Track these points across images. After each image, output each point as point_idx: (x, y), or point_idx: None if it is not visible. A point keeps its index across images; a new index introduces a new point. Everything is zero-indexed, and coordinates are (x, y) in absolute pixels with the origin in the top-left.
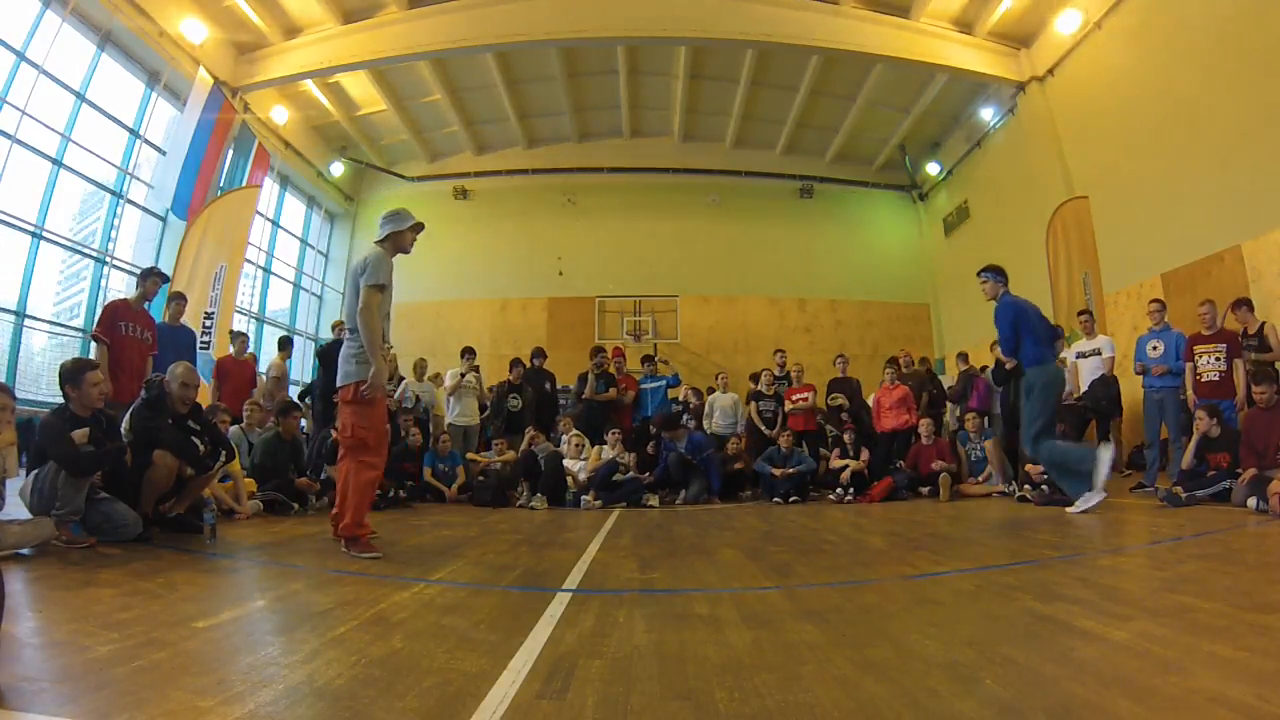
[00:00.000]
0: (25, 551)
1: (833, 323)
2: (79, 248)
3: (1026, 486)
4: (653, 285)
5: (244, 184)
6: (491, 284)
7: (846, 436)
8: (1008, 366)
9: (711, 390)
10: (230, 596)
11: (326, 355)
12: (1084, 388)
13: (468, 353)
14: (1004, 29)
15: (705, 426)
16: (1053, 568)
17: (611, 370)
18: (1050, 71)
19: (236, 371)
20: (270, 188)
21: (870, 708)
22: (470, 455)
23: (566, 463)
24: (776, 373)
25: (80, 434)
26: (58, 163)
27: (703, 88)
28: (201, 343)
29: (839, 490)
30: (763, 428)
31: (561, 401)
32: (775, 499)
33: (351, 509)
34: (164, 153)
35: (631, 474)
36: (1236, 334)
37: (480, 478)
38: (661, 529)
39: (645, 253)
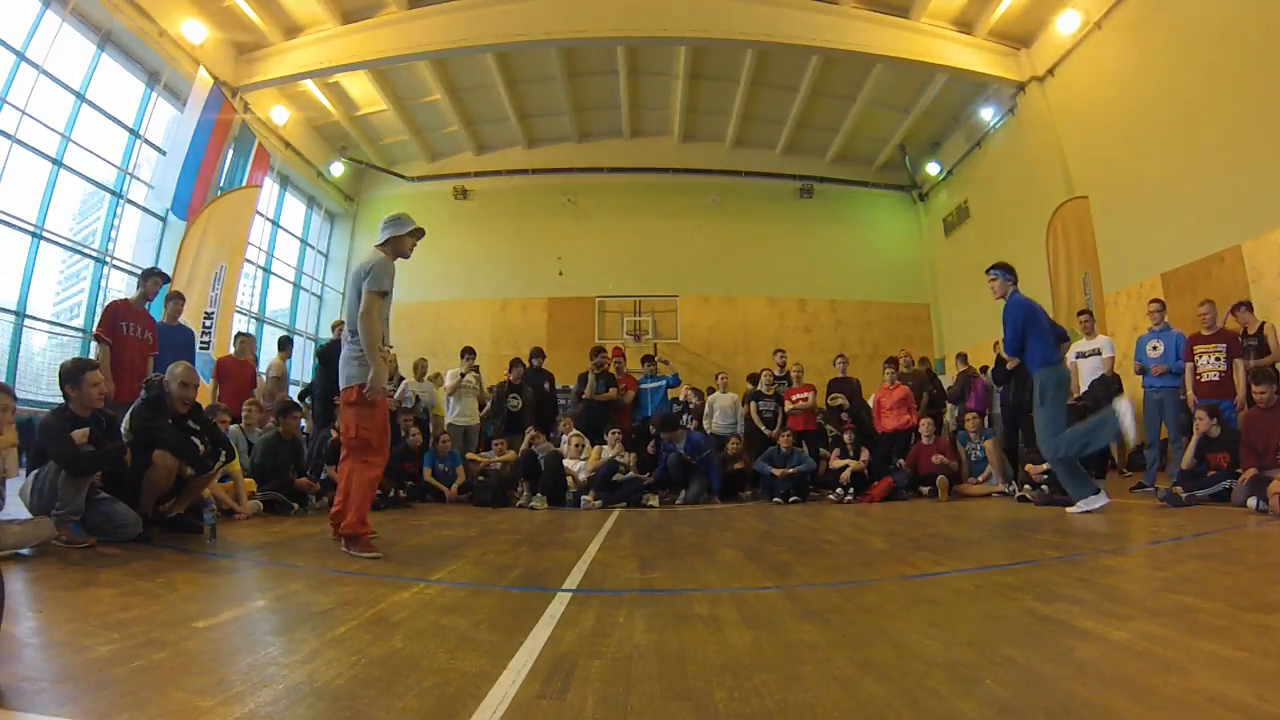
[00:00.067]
0: (25, 551)
1: (833, 323)
2: (79, 248)
3: (1026, 486)
4: (653, 285)
5: (244, 184)
6: (491, 284)
7: (846, 436)
8: (1009, 366)
9: (711, 390)
10: (230, 596)
11: (326, 355)
12: (1084, 388)
13: (468, 353)
14: (1004, 29)
15: (705, 426)
16: (1053, 568)
17: (611, 370)
18: (1050, 71)
19: (236, 371)
20: (270, 188)
21: (870, 708)
22: (470, 455)
23: (566, 463)
24: (776, 373)
25: (80, 434)
26: (58, 163)
27: (703, 88)
28: (201, 343)
29: (839, 490)
30: (762, 428)
31: (561, 401)
32: (775, 499)
33: (354, 507)
34: (164, 153)
35: (631, 474)
36: (1236, 334)
37: (480, 478)
38: (661, 529)
39: (645, 253)
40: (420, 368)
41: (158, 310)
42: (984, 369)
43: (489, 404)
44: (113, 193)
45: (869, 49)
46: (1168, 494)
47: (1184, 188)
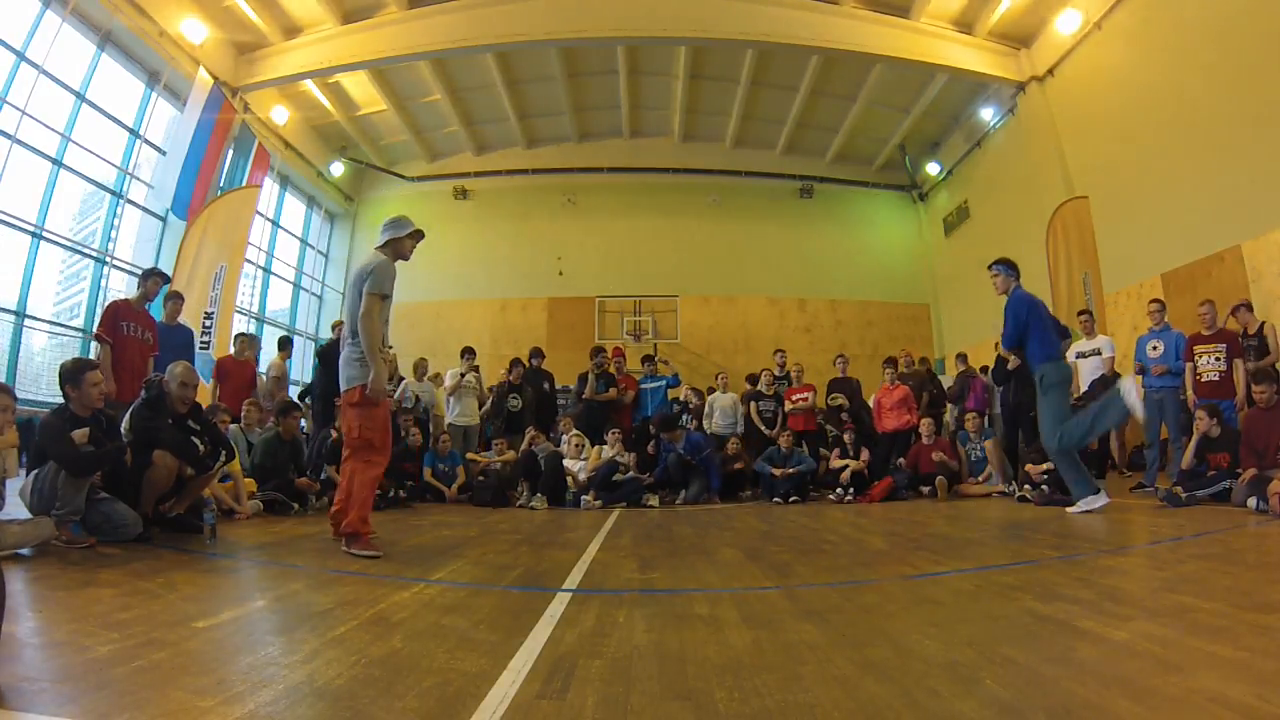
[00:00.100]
0: (25, 551)
1: (833, 323)
2: (79, 248)
3: (1026, 486)
4: (653, 285)
5: (244, 184)
6: (491, 284)
7: (846, 436)
8: (1010, 365)
9: (711, 390)
10: (230, 596)
11: (326, 355)
12: (1084, 388)
13: (468, 353)
14: (1004, 29)
15: (705, 427)
16: (1053, 568)
17: (611, 370)
18: (1050, 71)
19: (236, 371)
20: (270, 188)
21: (870, 708)
22: (470, 455)
23: (566, 463)
24: (776, 373)
25: (80, 434)
26: (58, 163)
27: (703, 88)
28: (201, 343)
29: (839, 490)
30: (762, 428)
31: (561, 401)
32: (775, 499)
33: (357, 506)
34: (164, 153)
35: (631, 474)
36: (1236, 334)
37: (480, 478)
38: (661, 529)
39: (645, 253)
40: (420, 368)
41: (157, 311)
42: (984, 369)
43: (489, 404)
44: (113, 193)
45: (869, 49)
46: (1168, 494)
47: (1184, 188)
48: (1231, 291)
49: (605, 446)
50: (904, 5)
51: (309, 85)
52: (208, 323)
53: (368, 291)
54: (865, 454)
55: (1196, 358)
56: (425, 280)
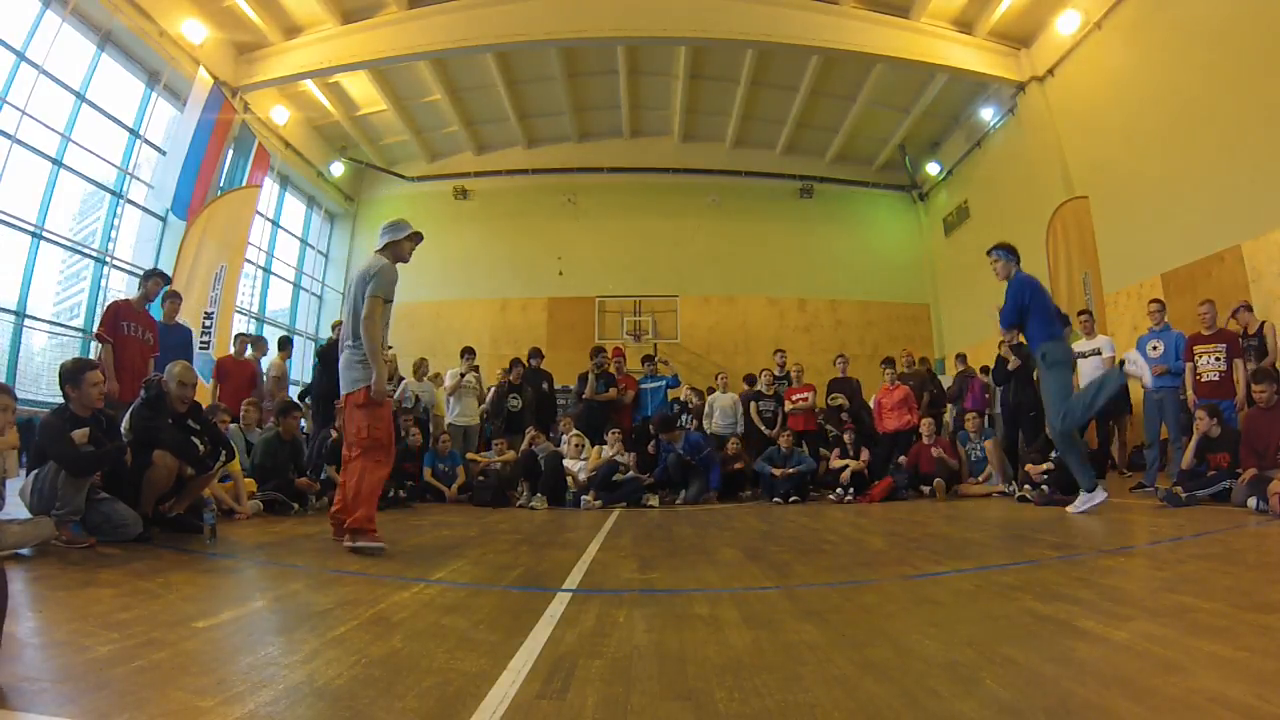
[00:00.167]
0: (25, 551)
1: (833, 323)
2: (79, 248)
3: (1026, 486)
4: (653, 285)
5: (244, 184)
6: (491, 284)
7: (846, 436)
8: (1010, 366)
9: (711, 390)
10: (230, 596)
11: (326, 355)
12: (1083, 387)
13: (467, 353)
14: (1004, 29)
15: (705, 427)
16: (1053, 568)
17: (611, 370)
18: (1050, 71)
19: (236, 371)
20: (270, 188)
21: (870, 708)
22: (470, 455)
23: (566, 463)
24: (776, 373)
25: (80, 434)
26: (58, 163)
27: (703, 88)
28: (201, 343)
29: (839, 490)
30: (762, 428)
31: (561, 401)
32: (775, 499)
33: (365, 503)
34: (164, 153)
35: (631, 474)
36: (1236, 334)
37: (480, 478)
38: (661, 529)
39: (645, 253)
40: (420, 368)
41: (157, 312)
42: (983, 369)
43: (488, 403)
44: (113, 193)
45: (869, 49)
46: (1168, 494)
47: (1184, 188)
48: (1231, 291)
49: (605, 446)
50: (904, 5)
51: (309, 85)
52: (208, 323)
53: (370, 294)
54: (865, 454)
55: (1196, 358)
56: (425, 280)
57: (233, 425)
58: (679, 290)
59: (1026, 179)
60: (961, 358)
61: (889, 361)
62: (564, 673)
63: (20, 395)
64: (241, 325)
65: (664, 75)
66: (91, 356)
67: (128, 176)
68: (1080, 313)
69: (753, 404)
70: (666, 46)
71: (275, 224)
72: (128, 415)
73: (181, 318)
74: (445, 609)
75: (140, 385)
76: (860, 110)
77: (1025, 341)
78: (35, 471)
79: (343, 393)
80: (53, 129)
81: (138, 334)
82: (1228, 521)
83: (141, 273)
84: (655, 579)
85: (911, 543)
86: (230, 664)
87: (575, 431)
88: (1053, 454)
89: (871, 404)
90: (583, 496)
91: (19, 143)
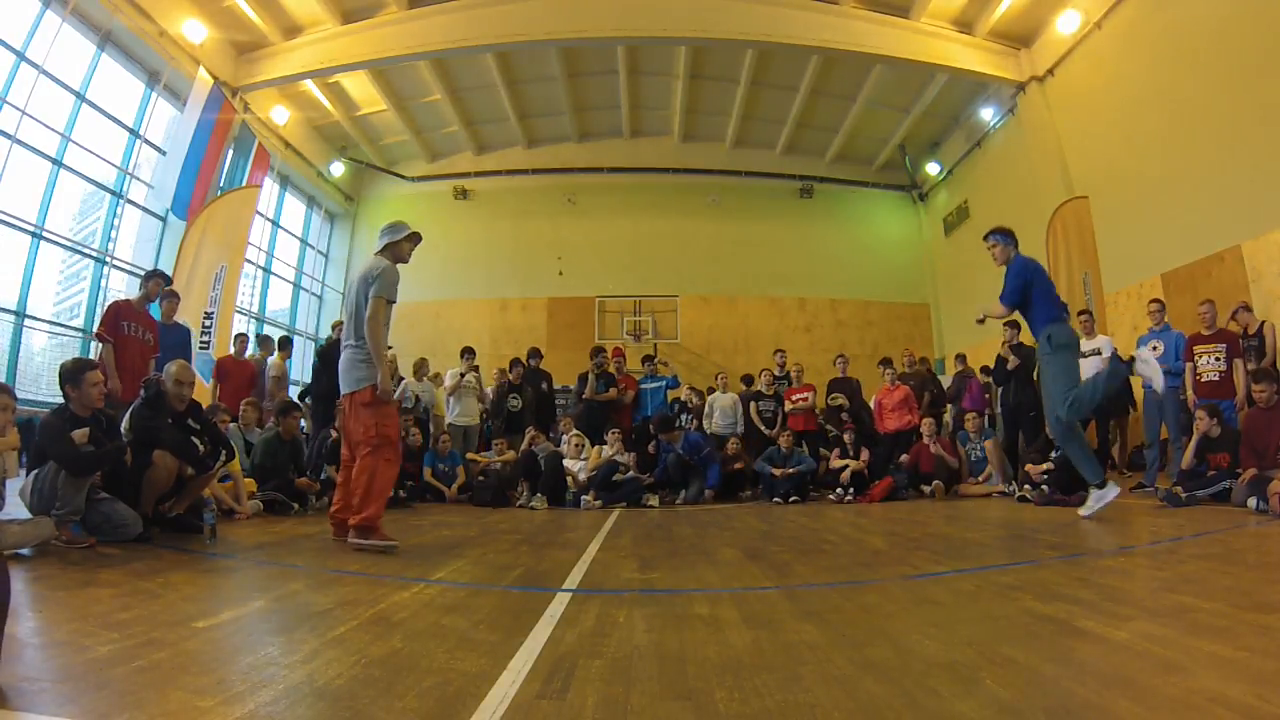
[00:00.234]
0: (25, 551)
1: (833, 323)
2: (79, 248)
3: (1026, 486)
4: (652, 285)
5: (244, 184)
6: (491, 284)
7: (846, 436)
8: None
9: (711, 390)
10: (230, 596)
11: (326, 355)
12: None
13: (467, 353)
14: (1004, 29)
15: (705, 427)
16: (1053, 568)
17: (611, 370)
18: (1050, 71)
19: (236, 371)
20: (270, 188)
21: (870, 708)
22: (470, 455)
23: (566, 463)
24: (776, 372)
25: (80, 434)
26: (58, 163)
27: (703, 88)
28: (201, 343)
29: (839, 490)
30: (762, 428)
31: (561, 401)
32: (775, 499)
33: (376, 501)
34: (164, 153)
35: (631, 474)
36: (1236, 334)
37: (480, 478)
38: (661, 529)
39: (645, 253)
40: (420, 368)
41: (157, 312)
42: (983, 369)
43: (488, 403)
44: (113, 193)
45: (869, 49)
46: (1168, 494)
47: (1184, 188)
48: (1231, 291)
49: (605, 446)
50: (904, 5)
51: (309, 85)
52: (208, 323)
53: (374, 295)
54: (865, 454)
55: (1196, 358)
56: (425, 280)
57: (232, 425)
58: (679, 290)
59: (1026, 179)
60: (961, 358)
61: (887, 362)
62: (564, 673)
63: (20, 395)
64: (241, 325)
65: (664, 75)
66: (92, 356)
67: (128, 176)
68: (1080, 313)
69: (753, 404)
70: (666, 46)
71: (275, 224)
72: (128, 415)
73: (181, 317)
74: (445, 609)
75: (140, 385)
76: (860, 110)
77: (1024, 323)
78: (35, 471)
79: (344, 392)
80: (53, 129)
81: (138, 334)
82: (1228, 521)
83: (142, 273)
84: (655, 579)
85: (911, 543)
86: (230, 664)
87: (575, 431)
88: (1053, 454)
89: (872, 404)
90: (583, 496)
91: (19, 143)
